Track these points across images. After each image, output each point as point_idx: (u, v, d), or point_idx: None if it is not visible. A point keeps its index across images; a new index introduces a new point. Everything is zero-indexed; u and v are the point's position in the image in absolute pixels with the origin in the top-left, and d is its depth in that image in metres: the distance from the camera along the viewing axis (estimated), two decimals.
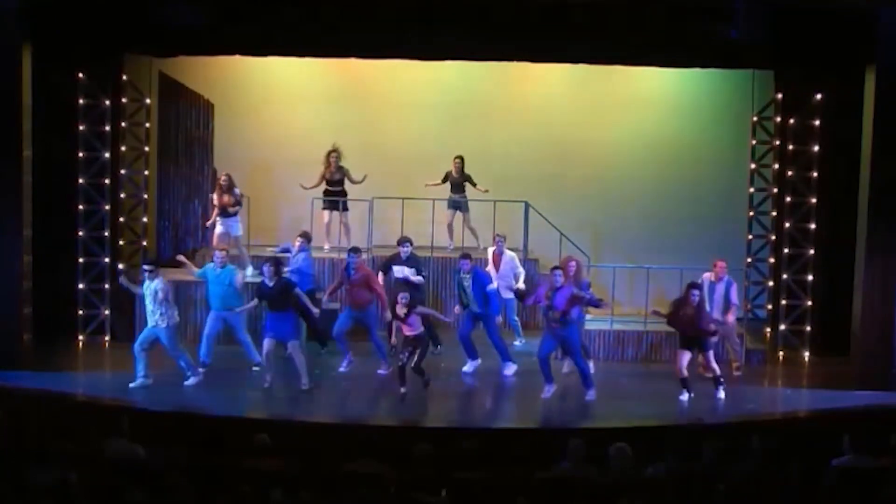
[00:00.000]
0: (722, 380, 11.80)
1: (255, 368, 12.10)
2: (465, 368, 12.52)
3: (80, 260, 13.57)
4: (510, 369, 12.47)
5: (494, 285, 12.66)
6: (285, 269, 12.31)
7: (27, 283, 12.28)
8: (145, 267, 11.72)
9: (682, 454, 8.25)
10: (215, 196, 13.99)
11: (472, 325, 12.52)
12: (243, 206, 14.08)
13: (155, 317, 11.46)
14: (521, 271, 13.61)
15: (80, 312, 13.57)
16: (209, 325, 12.16)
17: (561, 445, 8.48)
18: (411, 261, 12.81)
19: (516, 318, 13.80)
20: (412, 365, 11.43)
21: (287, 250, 12.90)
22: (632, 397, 11.98)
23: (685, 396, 11.60)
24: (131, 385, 11.47)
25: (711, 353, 11.76)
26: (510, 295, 13.46)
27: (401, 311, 11.41)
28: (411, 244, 12.94)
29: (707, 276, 12.64)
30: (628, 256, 15.49)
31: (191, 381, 11.67)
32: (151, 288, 11.44)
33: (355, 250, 12.51)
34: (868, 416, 11.14)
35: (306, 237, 13.13)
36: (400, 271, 12.72)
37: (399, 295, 11.53)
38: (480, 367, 12.53)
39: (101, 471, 7.70)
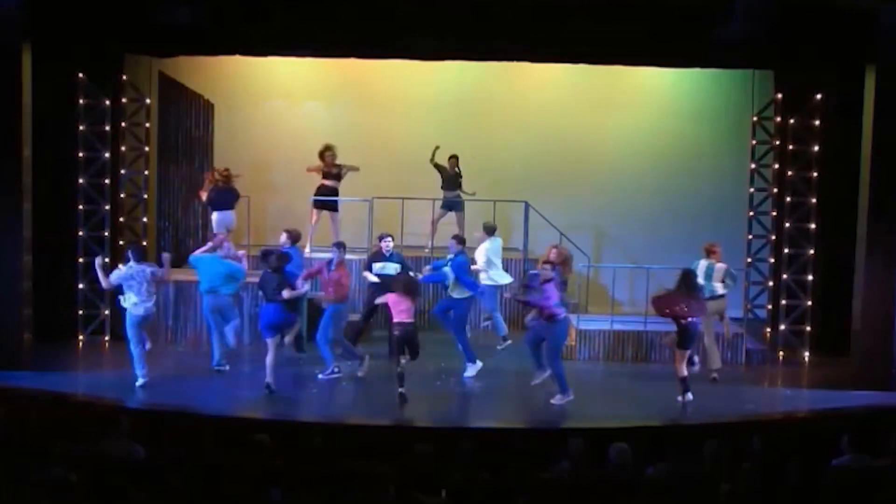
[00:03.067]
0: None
1: (220, 369, 12.16)
2: (469, 373, 12.32)
3: (80, 260, 13.57)
4: (472, 370, 12.29)
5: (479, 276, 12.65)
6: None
7: (27, 283, 12.27)
8: (136, 251, 11.53)
9: (682, 454, 8.25)
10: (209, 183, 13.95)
11: (446, 306, 12.40)
12: (243, 205, 14.09)
13: (149, 302, 11.34)
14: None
15: (80, 312, 13.57)
16: (212, 323, 12.15)
17: (561, 445, 8.47)
18: (395, 257, 12.67)
19: (498, 313, 13.33)
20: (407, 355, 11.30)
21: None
22: (632, 397, 11.97)
23: (690, 397, 11.37)
24: (138, 384, 11.42)
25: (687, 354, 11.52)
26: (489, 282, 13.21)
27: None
28: (392, 239, 12.79)
29: (703, 263, 12.49)
30: (628, 256, 15.52)
31: (141, 383, 11.48)
32: (146, 272, 11.32)
33: (341, 246, 12.34)
34: (868, 416, 11.14)
35: (292, 236, 12.95)
36: (383, 267, 12.55)
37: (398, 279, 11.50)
38: (480, 369, 12.49)
39: (101, 471, 7.69)
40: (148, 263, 11.67)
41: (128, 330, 11.44)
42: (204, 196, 14.31)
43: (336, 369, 12.09)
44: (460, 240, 12.63)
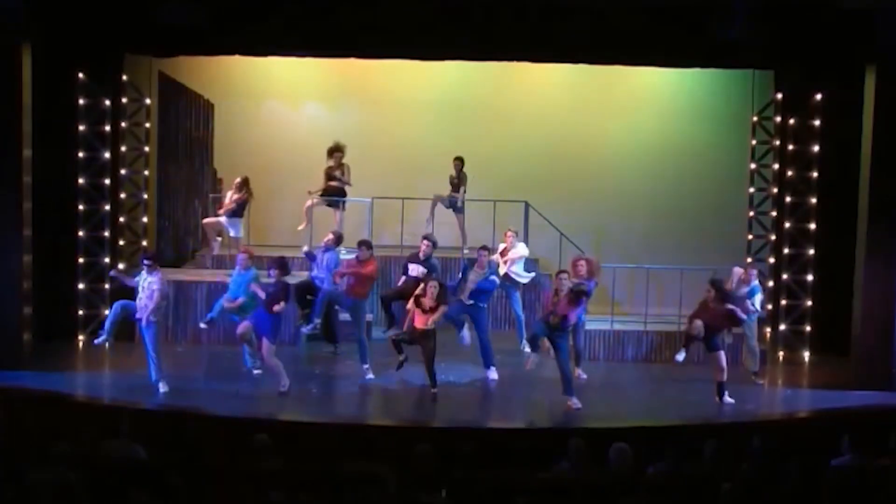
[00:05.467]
0: (724, 385, 11.53)
1: (255, 371, 12.11)
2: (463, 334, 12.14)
3: (80, 260, 13.57)
4: (493, 374, 12.31)
5: (495, 279, 12.55)
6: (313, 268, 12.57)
7: (27, 283, 12.28)
8: (146, 261, 11.48)
9: (682, 454, 8.25)
10: (231, 194, 13.94)
11: (457, 315, 12.27)
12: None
13: (146, 312, 11.27)
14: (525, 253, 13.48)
15: (80, 312, 13.56)
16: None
17: (561, 445, 8.48)
18: (428, 262, 12.52)
19: (521, 313, 13.37)
20: (425, 367, 11.39)
21: (310, 255, 12.85)
22: (632, 397, 11.98)
23: (682, 356, 11.35)
24: (96, 341, 11.49)
25: (722, 354, 11.50)
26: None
27: (429, 302, 11.23)
28: (434, 245, 12.60)
29: (738, 272, 12.37)
30: (628, 256, 15.50)
31: (163, 388, 11.38)
32: (148, 281, 11.27)
33: (366, 244, 12.36)
34: (868, 416, 11.14)
35: (338, 237, 12.99)
36: (415, 269, 12.43)
37: (429, 284, 11.33)
38: (479, 369, 12.49)
39: (101, 471, 7.70)
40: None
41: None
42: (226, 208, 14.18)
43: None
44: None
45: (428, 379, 11.46)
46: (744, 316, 11.63)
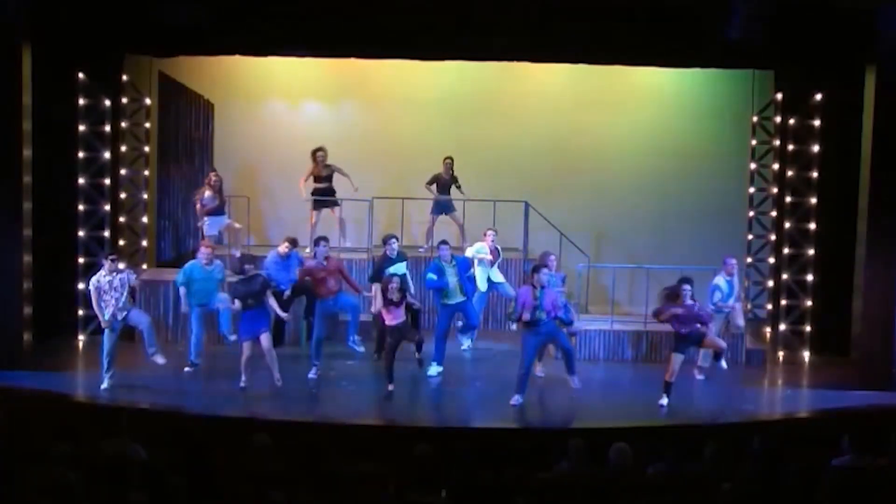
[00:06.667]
0: (726, 353, 11.67)
1: (231, 337, 12.01)
2: (431, 372, 12.18)
3: (80, 260, 13.56)
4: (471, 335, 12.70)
5: (475, 271, 12.73)
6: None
7: (27, 283, 12.29)
8: (112, 258, 11.53)
9: (682, 454, 8.25)
10: (208, 192, 13.89)
11: (450, 322, 12.42)
12: (243, 206, 14.08)
13: (131, 308, 11.36)
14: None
15: (80, 312, 13.55)
16: (197, 327, 12.11)
17: (561, 445, 8.47)
18: (401, 257, 12.63)
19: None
20: (415, 352, 11.55)
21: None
22: (632, 397, 11.98)
23: (665, 401, 11.38)
24: (103, 387, 11.37)
25: (709, 331, 11.43)
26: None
27: (395, 295, 11.32)
28: (398, 240, 12.79)
29: (720, 279, 12.47)
30: (628, 256, 15.51)
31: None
32: (120, 279, 11.29)
33: (324, 239, 12.36)
34: (868, 416, 11.14)
35: (294, 242, 13.02)
36: (396, 270, 12.49)
37: (391, 280, 11.42)
38: (480, 369, 12.51)
39: (101, 471, 7.69)
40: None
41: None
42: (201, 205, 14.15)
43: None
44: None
45: (416, 355, 11.67)
46: (706, 314, 11.49)
